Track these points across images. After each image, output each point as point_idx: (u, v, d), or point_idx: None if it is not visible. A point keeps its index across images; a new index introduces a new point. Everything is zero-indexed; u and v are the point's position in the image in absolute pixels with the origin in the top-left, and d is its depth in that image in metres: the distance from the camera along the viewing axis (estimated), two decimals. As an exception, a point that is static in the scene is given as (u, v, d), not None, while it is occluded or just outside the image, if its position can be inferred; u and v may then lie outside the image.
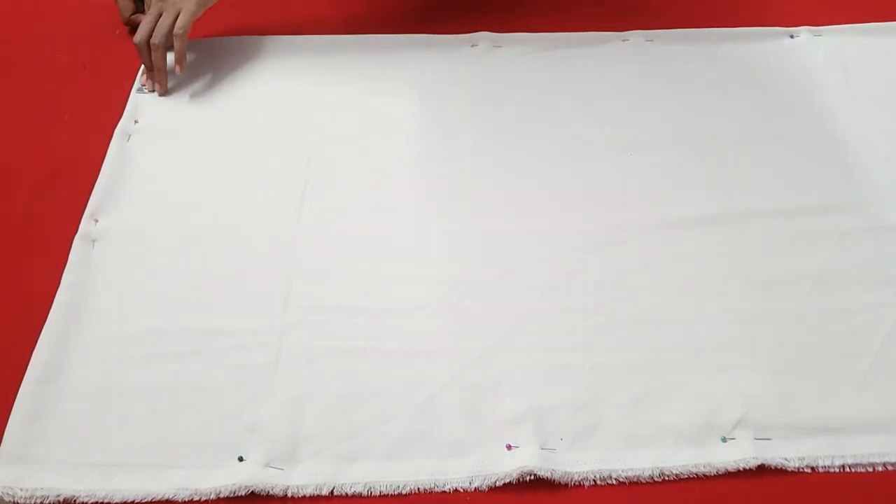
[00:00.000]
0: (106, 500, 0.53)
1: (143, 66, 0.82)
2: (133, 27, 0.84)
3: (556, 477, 0.54)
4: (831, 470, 0.55)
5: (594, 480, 0.55)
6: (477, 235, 0.69)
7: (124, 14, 0.87)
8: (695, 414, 0.58)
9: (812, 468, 0.55)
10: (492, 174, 0.74)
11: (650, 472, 0.55)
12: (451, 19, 0.85)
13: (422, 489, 0.54)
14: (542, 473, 0.54)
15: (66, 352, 0.60)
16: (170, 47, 0.80)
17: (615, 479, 0.55)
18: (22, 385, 0.58)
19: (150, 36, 0.79)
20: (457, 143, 0.76)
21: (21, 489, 0.53)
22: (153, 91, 0.81)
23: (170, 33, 0.79)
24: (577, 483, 0.55)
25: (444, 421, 0.57)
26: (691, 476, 0.55)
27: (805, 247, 0.68)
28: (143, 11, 0.85)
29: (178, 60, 0.80)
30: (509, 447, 0.56)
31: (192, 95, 0.81)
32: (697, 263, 0.67)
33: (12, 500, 0.53)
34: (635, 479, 0.55)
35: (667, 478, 0.55)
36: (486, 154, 0.75)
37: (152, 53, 0.79)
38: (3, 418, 0.56)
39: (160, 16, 0.80)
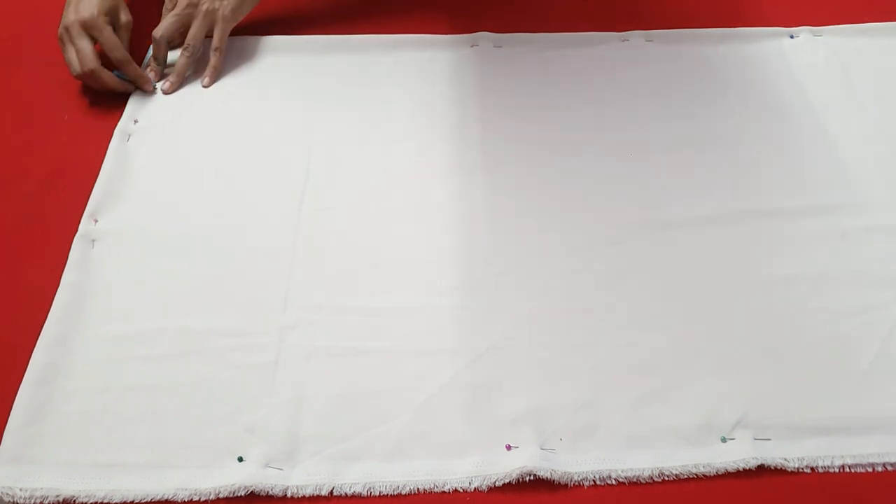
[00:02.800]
0: (105, 501, 0.53)
1: (147, 59, 0.82)
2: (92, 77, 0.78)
3: (556, 477, 0.54)
4: (831, 470, 0.55)
5: (594, 481, 0.55)
6: (477, 235, 0.69)
7: (90, 62, 0.76)
8: (694, 414, 0.58)
9: (812, 468, 0.55)
10: (491, 174, 0.73)
11: (650, 473, 0.55)
12: (451, 19, 0.85)
13: (421, 489, 0.54)
14: (542, 474, 0.54)
15: (65, 352, 0.60)
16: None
17: (615, 480, 0.55)
18: (21, 385, 0.58)
19: (172, 34, 0.80)
20: (456, 144, 0.76)
21: (20, 489, 0.53)
22: (156, 87, 0.81)
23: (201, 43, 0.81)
24: (576, 483, 0.55)
25: (444, 421, 0.57)
26: (691, 476, 0.55)
27: (805, 247, 0.68)
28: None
29: (212, 74, 0.81)
30: (509, 447, 0.56)
31: (192, 96, 0.81)
32: (697, 263, 0.67)
33: (11, 501, 0.53)
34: (635, 480, 0.55)
35: (666, 478, 0.55)
36: (485, 154, 0.75)
37: (182, 60, 0.80)
38: (3, 419, 0.57)
39: (187, 19, 0.81)
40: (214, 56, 0.81)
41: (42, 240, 0.68)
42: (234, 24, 0.83)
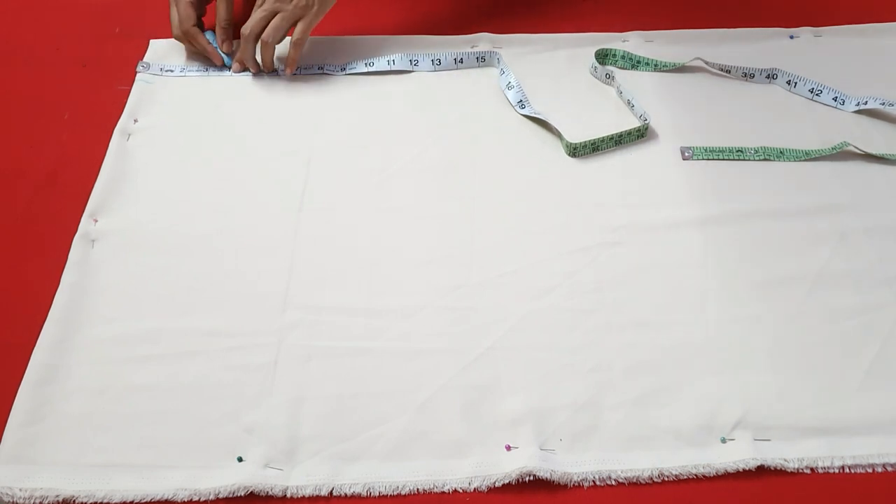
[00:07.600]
0: (105, 501, 0.53)
1: (188, 51, 0.84)
2: (187, 38, 0.81)
3: (556, 478, 0.54)
4: (831, 471, 0.55)
5: (593, 481, 0.55)
6: (477, 235, 0.69)
7: (186, 22, 0.81)
8: (694, 414, 0.58)
9: (812, 469, 0.55)
10: (491, 174, 0.73)
11: (649, 473, 0.55)
12: (451, 20, 0.85)
13: (421, 490, 0.54)
14: (542, 474, 0.54)
15: (65, 352, 0.60)
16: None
17: (614, 480, 0.55)
18: (21, 385, 0.58)
19: (260, 32, 0.80)
20: (456, 144, 0.76)
21: (20, 489, 0.53)
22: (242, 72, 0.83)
23: (284, 36, 0.81)
24: (576, 484, 0.55)
25: (444, 421, 0.57)
26: (690, 477, 0.55)
27: (805, 247, 0.68)
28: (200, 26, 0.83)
29: (290, 65, 0.81)
30: (508, 448, 0.56)
31: (192, 95, 0.81)
32: (697, 263, 0.67)
33: (11, 501, 0.53)
34: (634, 480, 0.55)
35: (666, 478, 0.55)
36: (485, 154, 0.75)
37: (263, 51, 0.81)
38: (3, 419, 0.57)
39: (274, 14, 0.79)
40: (294, 49, 0.80)
41: (42, 240, 0.68)
42: (317, 23, 0.82)
